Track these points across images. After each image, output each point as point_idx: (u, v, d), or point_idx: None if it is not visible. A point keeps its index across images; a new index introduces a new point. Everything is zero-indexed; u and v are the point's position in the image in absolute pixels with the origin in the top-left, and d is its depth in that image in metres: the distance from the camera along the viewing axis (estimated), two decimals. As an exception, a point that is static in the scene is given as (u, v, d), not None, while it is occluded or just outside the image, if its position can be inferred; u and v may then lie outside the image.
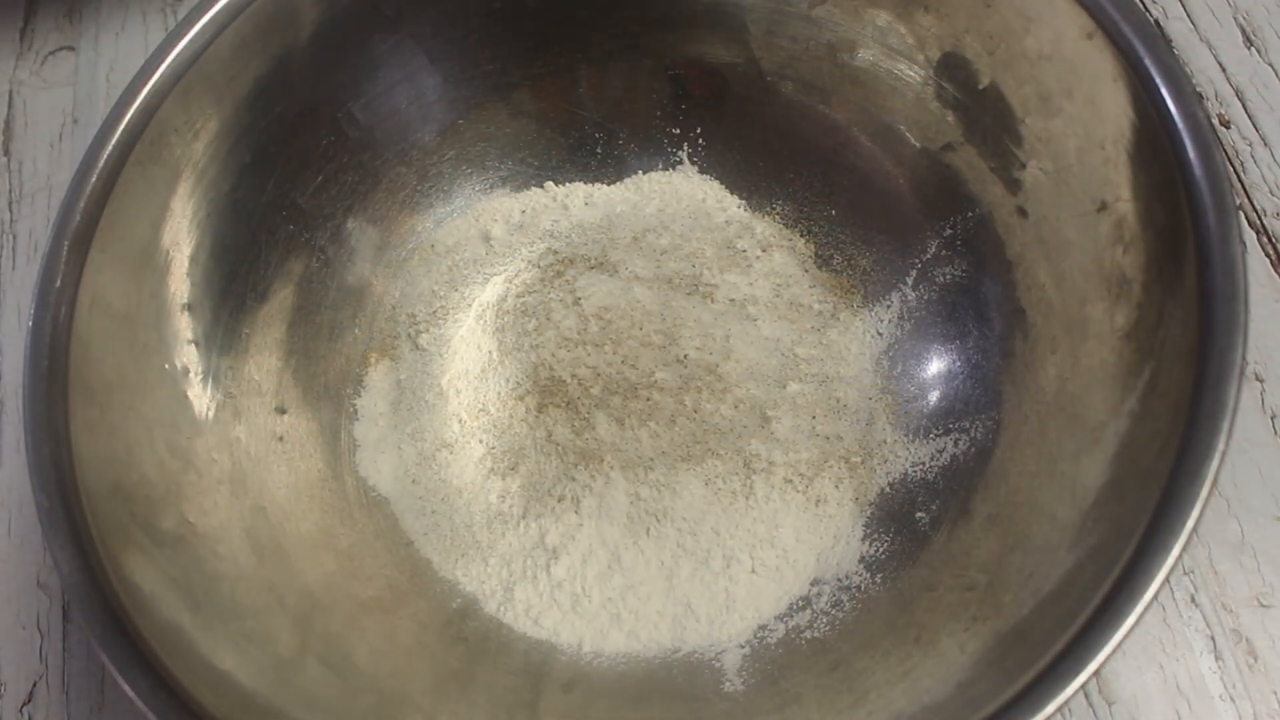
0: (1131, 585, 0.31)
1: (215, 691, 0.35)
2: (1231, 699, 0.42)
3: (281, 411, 0.48)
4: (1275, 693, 0.42)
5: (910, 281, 0.50)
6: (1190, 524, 0.31)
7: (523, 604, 0.46)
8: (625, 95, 0.54)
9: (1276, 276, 0.50)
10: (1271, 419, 0.48)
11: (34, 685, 0.47)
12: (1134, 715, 0.43)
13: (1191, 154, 0.35)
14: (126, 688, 0.33)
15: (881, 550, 0.46)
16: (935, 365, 0.49)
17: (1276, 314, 0.50)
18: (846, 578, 0.45)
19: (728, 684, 0.43)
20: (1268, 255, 0.51)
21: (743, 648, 0.44)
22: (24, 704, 0.46)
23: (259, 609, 0.41)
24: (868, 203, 0.52)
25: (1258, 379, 0.48)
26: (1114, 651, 0.30)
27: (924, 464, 0.47)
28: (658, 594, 0.45)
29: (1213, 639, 0.43)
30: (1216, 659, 0.43)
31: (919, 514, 0.46)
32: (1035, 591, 0.37)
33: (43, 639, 0.48)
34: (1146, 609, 0.31)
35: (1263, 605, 0.44)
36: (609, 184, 0.55)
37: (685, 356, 0.50)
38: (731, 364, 0.49)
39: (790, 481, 0.47)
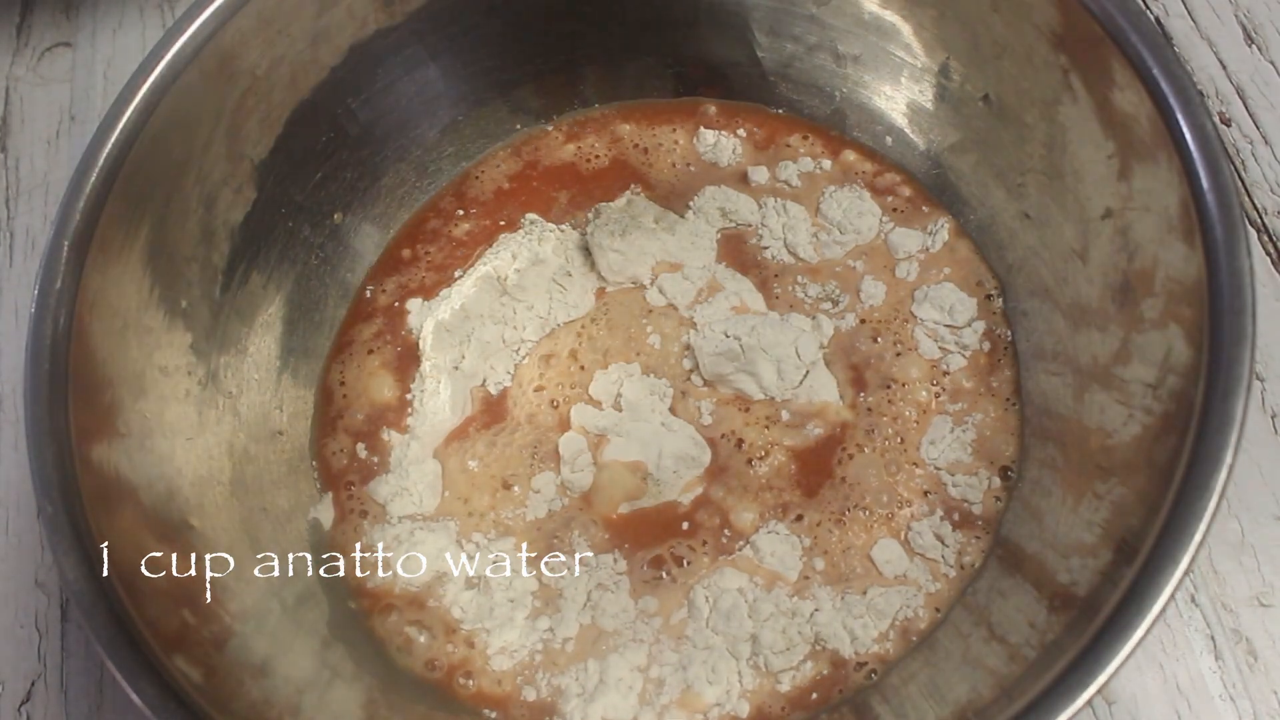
0: (1139, 599, 0.31)
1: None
2: (1231, 699, 0.43)
3: (281, 411, 0.48)
4: (1275, 693, 0.42)
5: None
6: (1198, 538, 0.31)
7: None
8: (627, 93, 0.54)
9: (1277, 275, 0.50)
10: (1272, 418, 0.47)
11: (32, 684, 0.47)
12: (1134, 715, 0.43)
13: (1198, 165, 0.35)
14: (133, 695, 0.33)
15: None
16: (937, 367, 0.49)
17: (1277, 313, 0.49)
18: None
19: None
20: (1268, 254, 0.51)
21: None
22: (22, 703, 0.46)
23: (260, 610, 0.41)
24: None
25: (1258, 378, 0.48)
26: (1122, 664, 0.30)
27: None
28: None
29: (1213, 639, 0.44)
30: (1216, 659, 0.43)
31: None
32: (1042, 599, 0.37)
33: (41, 638, 0.48)
34: (1154, 623, 0.30)
35: (1263, 605, 0.44)
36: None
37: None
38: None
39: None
